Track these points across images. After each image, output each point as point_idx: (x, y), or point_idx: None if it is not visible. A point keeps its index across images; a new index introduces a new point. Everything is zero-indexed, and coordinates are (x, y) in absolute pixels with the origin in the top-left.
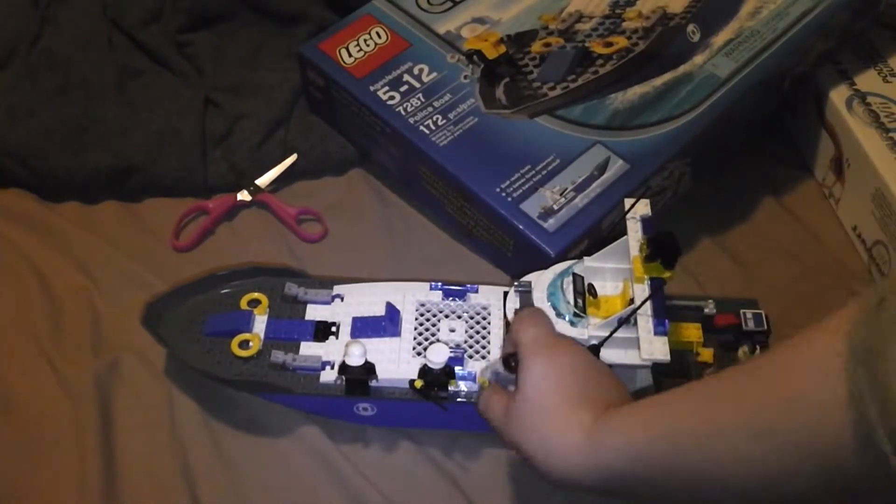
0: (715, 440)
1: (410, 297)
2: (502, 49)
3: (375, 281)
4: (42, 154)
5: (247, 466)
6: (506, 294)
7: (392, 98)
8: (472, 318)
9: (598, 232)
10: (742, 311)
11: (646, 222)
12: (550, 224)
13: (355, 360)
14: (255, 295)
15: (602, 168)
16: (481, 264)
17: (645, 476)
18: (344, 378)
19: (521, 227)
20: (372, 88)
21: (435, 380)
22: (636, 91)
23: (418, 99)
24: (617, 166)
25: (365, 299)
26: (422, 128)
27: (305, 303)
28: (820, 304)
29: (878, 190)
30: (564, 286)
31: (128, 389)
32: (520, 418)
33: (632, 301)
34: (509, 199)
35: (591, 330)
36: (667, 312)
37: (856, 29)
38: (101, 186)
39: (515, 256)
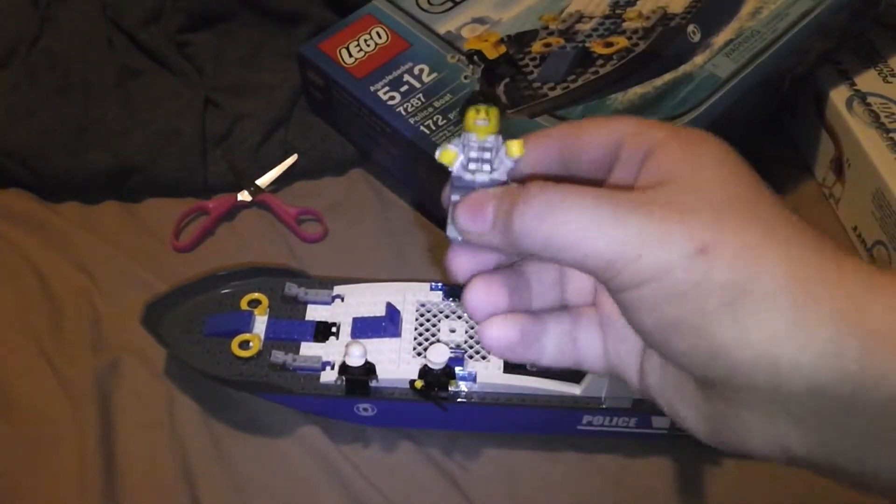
0: None
1: (411, 297)
2: (502, 49)
3: (375, 281)
4: (42, 154)
5: (247, 466)
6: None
7: (392, 98)
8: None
9: None
10: None
11: None
12: None
13: (355, 361)
14: (256, 295)
15: None
16: None
17: None
18: (344, 378)
19: None
20: (372, 88)
21: (435, 380)
22: (636, 91)
23: (419, 99)
24: None
25: (365, 300)
26: (422, 128)
27: (306, 303)
28: None
29: (878, 190)
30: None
31: (128, 389)
32: (690, 202)
33: None
34: None
35: None
36: None
37: (856, 29)
38: (101, 186)
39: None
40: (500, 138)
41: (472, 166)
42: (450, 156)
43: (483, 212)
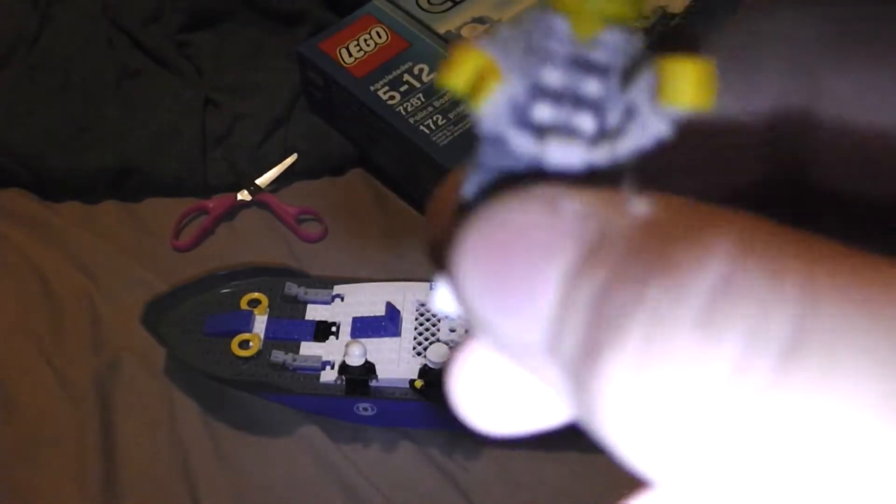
0: None
1: (410, 297)
2: None
3: (375, 281)
4: (42, 154)
5: (247, 466)
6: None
7: (392, 98)
8: None
9: None
10: None
11: None
12: None
13: (355, 360)
14: (255, 295)
15: None
16: None
17: None
18: (344, 378)
19: None
20: (372, 88)
21: (435, 380)
22: None
23: (418, 99)
24: None
25: (365, 299)
26: (422, 128)
27: (305, 303)
28: None
29: None
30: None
31: (128, 389)
32: None
33: None
34: None
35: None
36: None
37: None
38: (101, 186)
39: None
40: (638, 41)
41: (543, 113)
42: (470, 68)
43: (534, 276)
